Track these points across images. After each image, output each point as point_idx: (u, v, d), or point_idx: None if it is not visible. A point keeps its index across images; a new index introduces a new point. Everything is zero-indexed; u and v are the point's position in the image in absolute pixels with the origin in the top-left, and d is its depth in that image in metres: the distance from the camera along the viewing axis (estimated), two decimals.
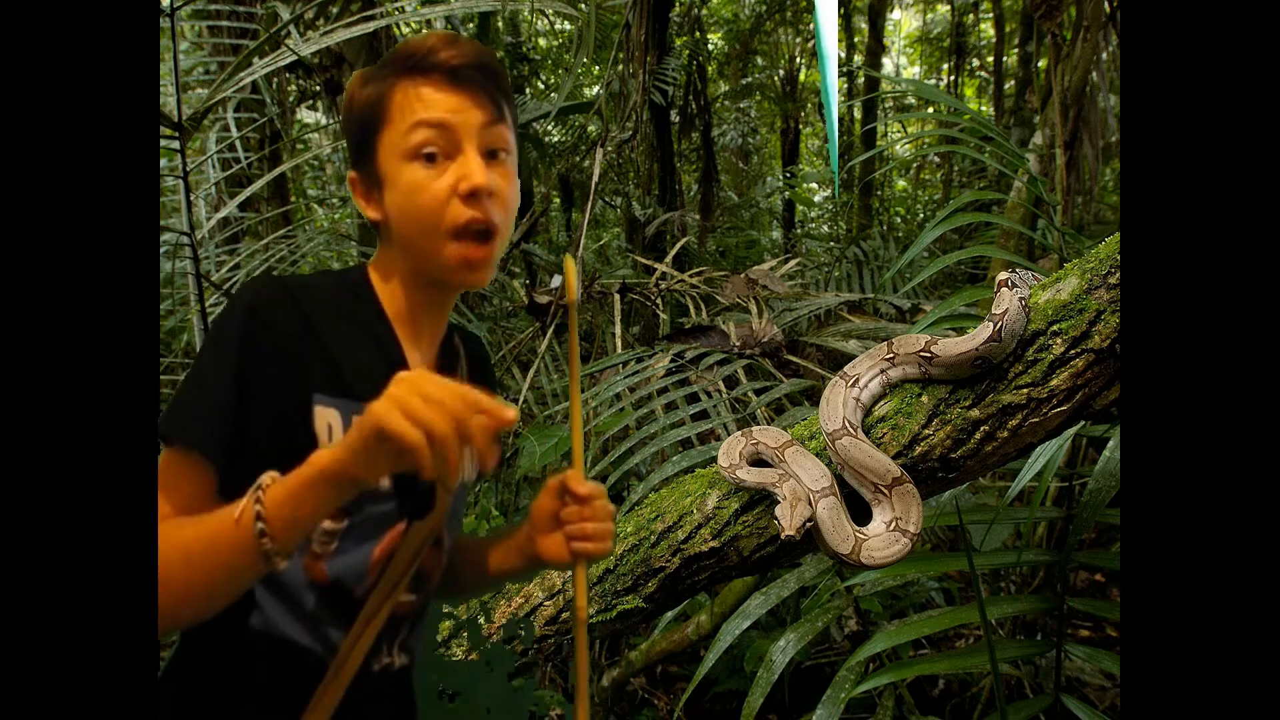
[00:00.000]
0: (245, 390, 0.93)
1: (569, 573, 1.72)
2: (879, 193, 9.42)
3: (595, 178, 3.48)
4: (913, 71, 12.14)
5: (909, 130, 8.24)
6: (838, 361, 3.24)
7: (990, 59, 10.10)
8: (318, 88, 5.42)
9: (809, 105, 10.22)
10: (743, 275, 3.78)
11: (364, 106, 1.02)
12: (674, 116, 6.77)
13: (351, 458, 0.80)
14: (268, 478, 0.84)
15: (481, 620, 1.70)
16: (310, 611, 0.99)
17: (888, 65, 11.31)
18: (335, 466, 0.81)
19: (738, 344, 3.03)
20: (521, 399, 3.31)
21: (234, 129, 3.67)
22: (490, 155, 1.01)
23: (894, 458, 1.42)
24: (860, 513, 1.43)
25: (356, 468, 0.81)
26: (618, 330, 3.41)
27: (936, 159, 9.51)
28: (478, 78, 0.99)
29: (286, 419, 0.96)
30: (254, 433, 0.94)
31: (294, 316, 0.97)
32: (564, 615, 1.70)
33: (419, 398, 0.77)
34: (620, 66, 4.32)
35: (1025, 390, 1.36)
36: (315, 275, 1.11)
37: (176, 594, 0.83)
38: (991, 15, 9.45)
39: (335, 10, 4.61)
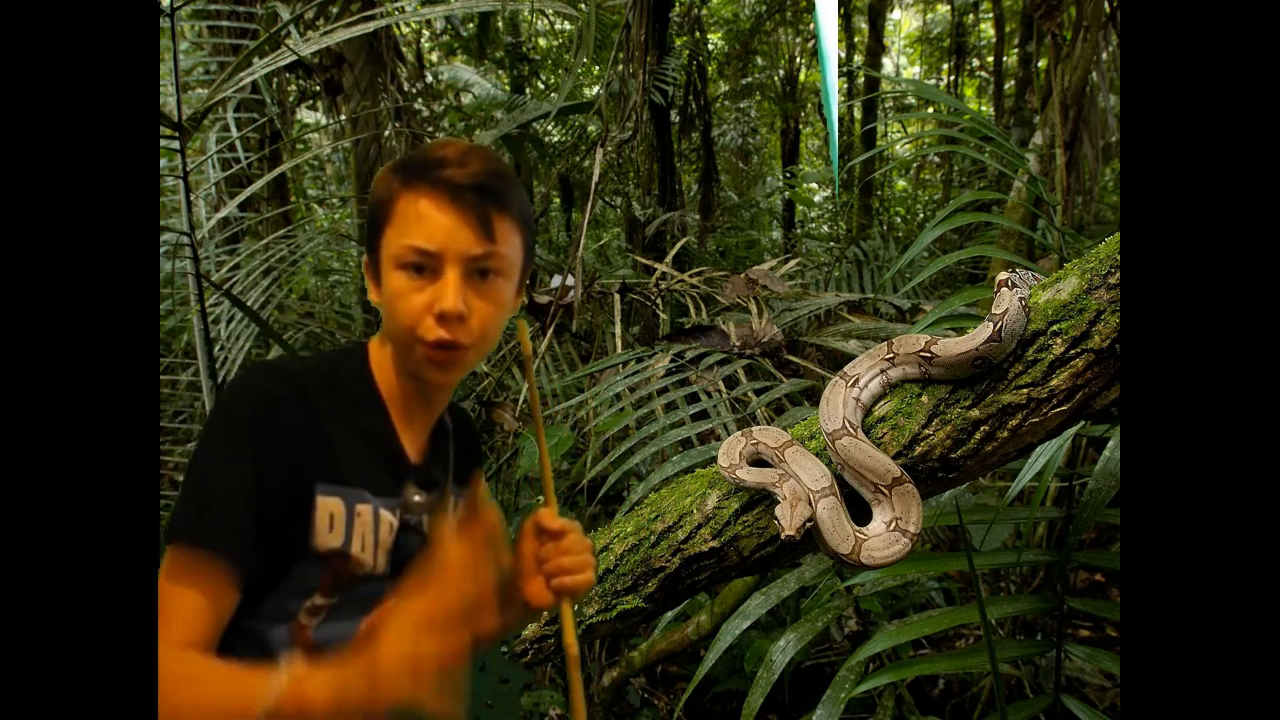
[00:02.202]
0: (259, 484, 0.95)
1: None
2: (879, 193, 9.42)
3: (595, 178, 3.48)
4: (913, 71, 12.15)
5: (909, 130, 8.24)
6: (838, 361, 3.24)
7: (990, 59, 10.10)
8: (318, 88, 5.43)
9: (809, 105, 10.22)
10: (743, 275, 3.78)
11: (376, 201, 1.07)
12: (674, 116, 6.77)
13: (333, 702, 0.82)
14: (286, 675, 0.84)
15: None
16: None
17: (888, 65, 11.31)
18: (326, 702, 0.82)
19: (738, 344, 3.03)
20: (521, 399, 3.31)
21: (234, 129, 3.67)
22: (479, 275, 1.05)
23: (894, 458, 1.41)
24: (860, 513, 1.43)
25: (335, 712, 0.82)
26: (618, 330, 3.41)
27: (936, 159, 9.51)
28: (474, 200, 1.02)
29: (290, 508, 0.98)
30: (263, 521, 0.96)
31: (302, 406, 1.00)
32: None
33: (421, 651, 0.80)
34: (620, 66, 4.32)
35: (1025, 390, 1.36)
36: (316, 358, 1.15)
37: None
38: (991, 15, 9.45)
39: (335, 10, 4.62)
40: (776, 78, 10.18)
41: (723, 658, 2.04)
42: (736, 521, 1.54)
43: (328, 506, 1.00)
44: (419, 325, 1.02)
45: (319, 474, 1.00)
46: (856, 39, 10.89)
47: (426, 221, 1.01)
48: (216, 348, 3.04)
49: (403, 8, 4.57)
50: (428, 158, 1.04)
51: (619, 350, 3.21)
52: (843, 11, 9.55)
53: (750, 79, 9.77)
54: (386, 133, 5.04)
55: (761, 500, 1.52)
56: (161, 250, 2.87)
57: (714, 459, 1.57)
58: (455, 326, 1.02)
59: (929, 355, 1.40)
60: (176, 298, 3.46)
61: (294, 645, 1.02)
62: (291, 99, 5.88)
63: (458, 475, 1.22)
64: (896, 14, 11.74)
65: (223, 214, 3.39)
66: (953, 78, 10.45)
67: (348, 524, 1.02)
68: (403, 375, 1.10)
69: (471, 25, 7.85)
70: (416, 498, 1.11)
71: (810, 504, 1.38)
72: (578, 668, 1.07)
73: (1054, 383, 1.35)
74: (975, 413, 1.39)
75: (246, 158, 3.96)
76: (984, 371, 1.38)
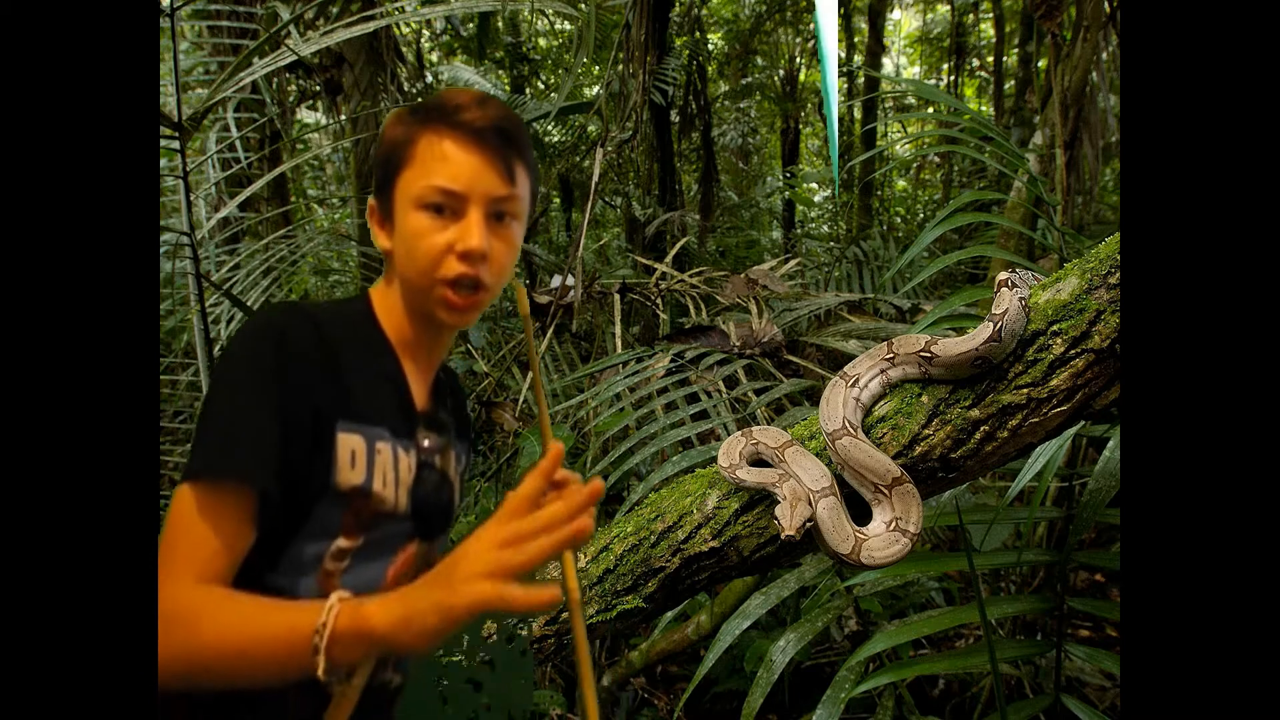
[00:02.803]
0: (283, 418, 0.94)
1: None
2: (879, 193, 9.42)
3: (595, 178, 3.48)
4: (913, 71, 12.14)
5: (909, 130, 8.24)
6: (838, 361, 3.24)
7: (990, 59, 10.10)
8: (318, 88, 5.43)
9: (809, 105, 10.22)
10: (743, 275, 3.78)
11: (391, 145, 1.07)
12: (674, 116, 6.77)
13: (418, 638, 0.81)
14: (337, 603, 0.84)
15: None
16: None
17: (888, 65, 11.31)
18: (396, 638, 0.82)
19: (738, 344, 3.03)
20: (521, 399, 3.31)
21: (234, 129, 3.67)
22: (496, 217, 1.06)
23: (894, 458, 1.41)
24: (860, 513, 1.43)
25: (419, 642, 0.82)
26: (618, 330, 3.41)
27: (936, 159, 9.50)
28: (497, 143, 1.04)
29: (312, 445, 0.97)
30: (286, 457, 0.95)
31: (319, 343, 0.99)
32: (563, 615, 1.70)
33: (504, 559, 0.80)
34: (620, 66, 4.32)
35: (1025, 390, 1.36)
36: (321, 304, 1.13)
37: (216, 672, 0.84)
38: (991, 15, 9.45)
39: (335, 10, 4.62)
40: (776, 78, 10.18)
41: (723, 658, 2.04)
42: (736, 521, 1.54)
43: (349, 443, 0.99)
44: (439, 264, 1.03)
45: (338, 411, 0.99)
46: (856, 39, 10.89)
47: (451, 162, 1.03)
48: (216, 348, 3.04)
49: (403, 8, 4.57)
50: (444, 103, 1.05)
51: (619, 350, 3.21)
52: (843, 11, 9.55)
53: (750, 79, 9.77)
54: None
55: (761, 500, 1.52)
56: (161, 250, 2.87)
57: (714, 459, 1.58)
58: (479, 265, 1.03)
59: (929, 355, 1.40)
60: (176, 298, 3.46)
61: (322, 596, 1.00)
62: (291, 99, 5.89)
63: (457, 431, 1.21)
64: (896, 14, 11.74)
65: (223, 214, 3.39)
66: (953, 78, 10.44)
67: (369, 461, 1.00)
68: (414, 318, 1.10)
69: (471, 25, 7.85)
70: (427, 441, 1.11)
71: (810, 504, 1.38)
72: (580, 611, 1.07)
73: (1054, 383, 1.35)
74: (975, 413, 1.39)
75: (246, 158, 3.96)
76: (984, 371, 1.38)
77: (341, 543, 1.00)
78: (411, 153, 1.04)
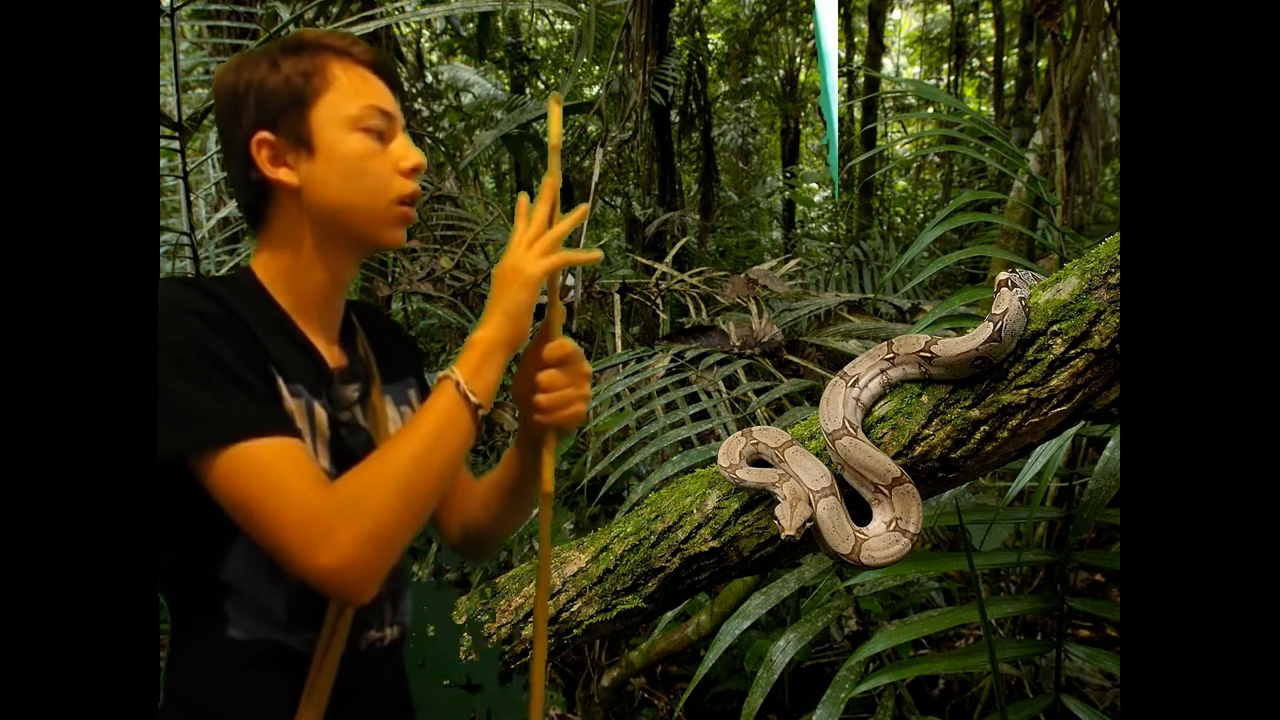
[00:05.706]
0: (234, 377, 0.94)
1: (570, 571, 1.72)
2: (879, 193, 9.42)
3: (595, 178, 3.48)
4: (913, 71, 12.14)
5: (909, 130, 8.24)
6: (838, 361, 3.24)
7: (990, 59, 10.09)
8: None
9: (809, 105, 10.21)
10: (743, 275, 3.78)
11: (292, 76, 1.04)
12: (674, 116, 6.77)
13: (519, 314, 1.01)
14: (448, 371, 0.97)
15: (485, 619, 1.70)
16: (284, 620, 0.99)
17: (888, 65, 11.30)
18: (502, 330, 1.00)
19: (738, 344, 3.03)
20: None
21: None
22: None
23: (894, 458, 1.41)
24: (860, 513, 1.43)
25: (522, 315, 1.01)
26: (618, 330, 3.41)
27: (936, 159, 9.50)
28: (390, 74, 1.11)
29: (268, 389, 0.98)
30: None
31: (221, 310, 0.96)
32: (564, 615, 1.70)
33: (536, 243, 1.03)
34: (620, 66, 4.32)
35: (1025, 390, 1.36)
36: (207, 281, 1.10)
37: (415, 504, 0.92)
38: (991, 15, 9.45)
39: (335, 10, 4.62)
40: (776, 78, 10.18)
41: (723, 658, 2.04)
42: (736, 521, 1.54)
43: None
44: (389, 185, 1.06)
45: (268, 360, 0.98)
46: (856, 39, 10.89)
47: (376, 86, 1.07)
48: None
49: (403, 8, 4.57)
50: (328, 38, 1.08)
51: (619, 350, 3.21)
52: (843, 11, 9.54)
53: (750, 79, 9.76)
54: None
55: (761, 500, 1.52)
56: (161, 250, 2.87)
57: (714, 459, 1.57)
58: (417, 179, 1.10)
59: (929, 355, 1.40)
60: None
61: (290, 590, 0.99)
62: None
63: (388, 375, 1.17)
64: (896, 14, 11.73)
65: (223, 214, 3.39)
66: (953, 78, 10.44)
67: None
68: (326, 261, 1.07)
69: (471, 25, 7.85)
70: (353, 393, 1.09)
71: (810, 504, 1.38)
72: (550, 505, 1.13)
73: (1054, 383, 1.35)
74: (975, 413, 1.39)
75: None
76: (984, 371, 1.38)
77: None
78: (327, 80, 1.04)
